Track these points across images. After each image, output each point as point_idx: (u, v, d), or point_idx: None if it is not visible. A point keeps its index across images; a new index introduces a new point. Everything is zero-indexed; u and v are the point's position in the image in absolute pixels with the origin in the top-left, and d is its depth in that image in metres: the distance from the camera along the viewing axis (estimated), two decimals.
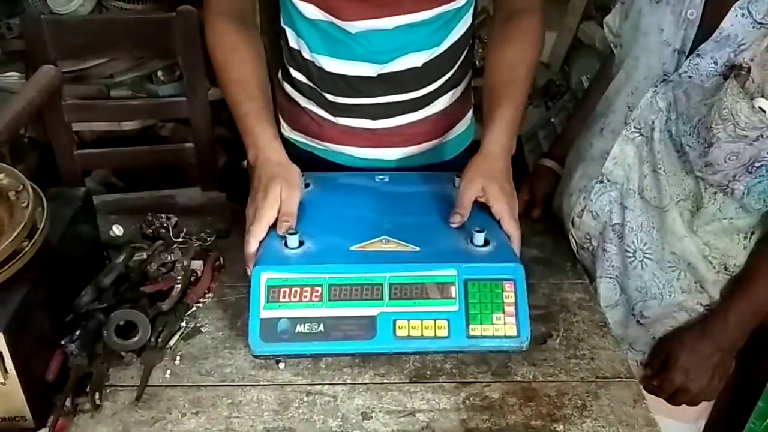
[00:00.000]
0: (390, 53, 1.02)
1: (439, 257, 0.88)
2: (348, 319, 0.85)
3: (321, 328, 0.85)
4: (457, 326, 0.85)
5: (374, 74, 1.04)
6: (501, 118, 0.99)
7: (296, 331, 0.85)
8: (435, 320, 0.85)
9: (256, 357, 0.88)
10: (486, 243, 0.91)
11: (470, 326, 0.85)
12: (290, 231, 0.89)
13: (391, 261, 0.87)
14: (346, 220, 0.97)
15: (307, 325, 0.85)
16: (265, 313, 0.85)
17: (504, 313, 0.86)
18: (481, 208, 0.96)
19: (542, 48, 1.08)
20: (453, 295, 0.86)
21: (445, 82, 1.10)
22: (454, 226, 0.94)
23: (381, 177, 1.09)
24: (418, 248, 0.90)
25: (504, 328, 0.86)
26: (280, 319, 0.85)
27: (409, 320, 0.85)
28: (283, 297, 0.85)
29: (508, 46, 1.05)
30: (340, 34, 0.99)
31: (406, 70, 1.04)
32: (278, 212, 0.90)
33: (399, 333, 0.85)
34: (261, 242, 0.90)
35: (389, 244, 0.91)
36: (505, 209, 0.93)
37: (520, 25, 1.05)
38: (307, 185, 1.03)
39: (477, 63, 1.34)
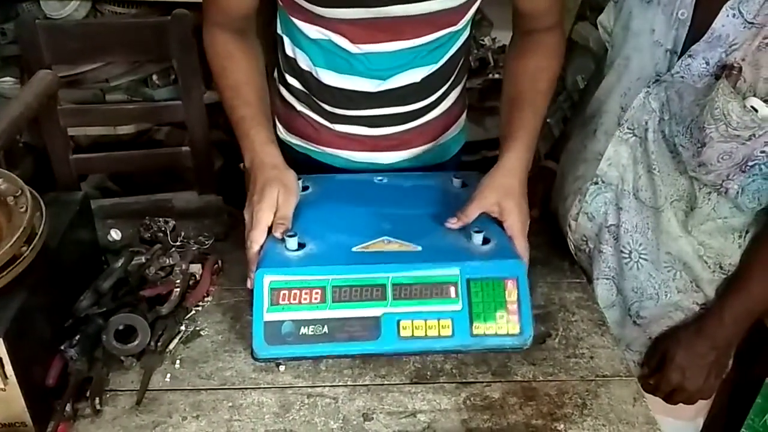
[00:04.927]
0: (389, 71, 1.02)
1: (442, 256, 0.88)
2: (352, 320, 0.85)
3: (325, 329, 0.85)
4: (461, 325, 0.86)
5: (373, 90, 1.04)
6: (521, 132, 0.98)
7: (300, 333, 0.85)
8: (439, 320, 0.86)
9: (258, 360, 0.88)
10: (486, 241, 0.91)
11: (474, 324, 0.86)
12: (288, 234, 0.89)
13: (394, 261, 0.88)
14: (346, 221, 0.97)
15: (311, 327, 0.85)
16: (268, 316, 0.85)
17: (507, 311, 0.87)
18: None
19: (562, 61, 1.08)
20: (456, 295, 0.86)
21: (444, 92, 1.11)
22: (449, 226, 0.94)
23: (379, 178, 1.10)
24: (419, 248, 0.90)
25: (507, 326, 0.87)
26: (283, 321, 0.85)
27: (413, 320, 0.85)
28: (287, 299, 0.85)
29: (530, 58, 1.05)
30: (340, 52, 1.00)
31: (405, 86, 1.05)
32: (274, 215, 0.90)
33: (403, 333, 0.85)
34: (262, 245, 0.90)
35: (391, 245, 0.91)
36: (518, 226, 0.93)
37: (541, 39, 1.05)
38: (306, 188, 1.03)
39: (472, 64, 1.34)
